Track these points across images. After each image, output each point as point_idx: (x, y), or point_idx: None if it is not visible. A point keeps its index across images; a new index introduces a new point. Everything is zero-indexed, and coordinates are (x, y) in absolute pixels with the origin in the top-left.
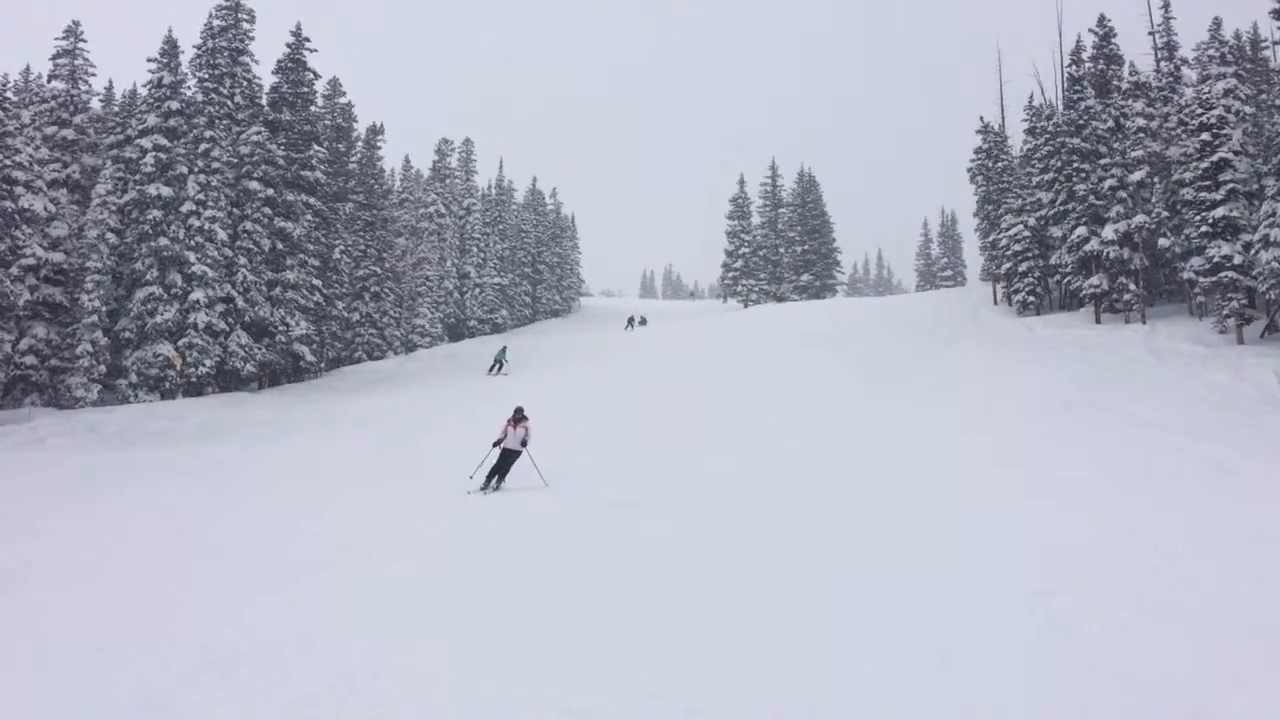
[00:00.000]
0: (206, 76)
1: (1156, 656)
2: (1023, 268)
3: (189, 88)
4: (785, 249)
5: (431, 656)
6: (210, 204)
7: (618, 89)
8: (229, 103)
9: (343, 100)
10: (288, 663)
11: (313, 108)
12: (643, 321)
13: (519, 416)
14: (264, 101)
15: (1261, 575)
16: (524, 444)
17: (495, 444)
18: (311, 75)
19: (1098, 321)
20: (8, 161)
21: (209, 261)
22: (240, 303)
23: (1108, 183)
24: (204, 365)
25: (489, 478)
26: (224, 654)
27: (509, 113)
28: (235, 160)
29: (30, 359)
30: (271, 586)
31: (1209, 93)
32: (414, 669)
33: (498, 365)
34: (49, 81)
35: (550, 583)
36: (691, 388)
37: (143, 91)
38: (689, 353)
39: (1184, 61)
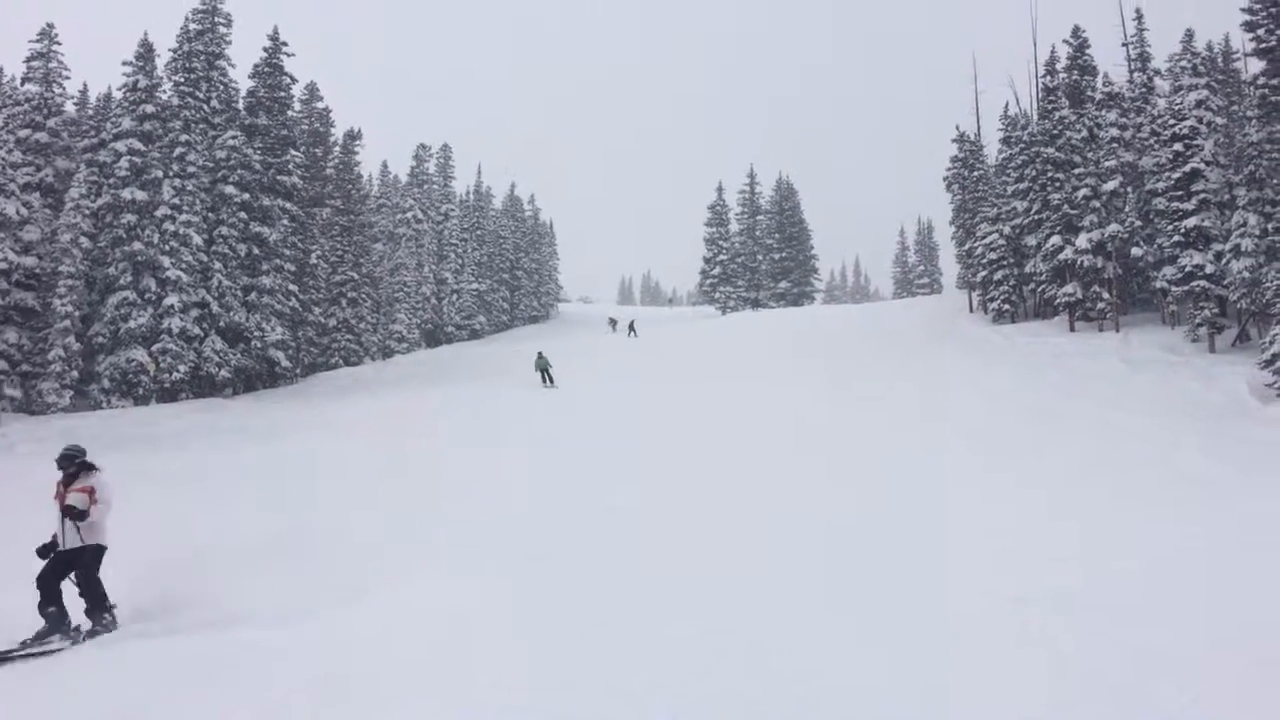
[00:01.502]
0: (182, 80)
1: (1129, 663)
2: (998, 276)
3: (164, 91)
4: (763, 256)
5: (408, 663)
6: (185, 208)
7: (599, 97)
8: (205, 107)
9: (320, 105)
10: (262, 672)
11: (290, 112)
12: (611, 322)
13: (72, 471)
14: (241, 106)
15: (1234, 583)
16: (78, 521)
17: (45, 551)
18: (289, 80)
19: (1072, 330)
20: None
21: (183, 266)
22: (215, 308)
23: (1081, 192)
24: (178, 371)
25: (46, 609)
26: (197, 663)
27: (493, 117)
28: (211, 165)
29: (1, 364)
30: (250, 592)
31: (1181, 104)
32: (390, 675)
33: (546, 377)
34: (22, 84)
35: (533, 585)
36: (672, 396)
37: (117, 95)
38: (670, 360)
39: (1157, 73)
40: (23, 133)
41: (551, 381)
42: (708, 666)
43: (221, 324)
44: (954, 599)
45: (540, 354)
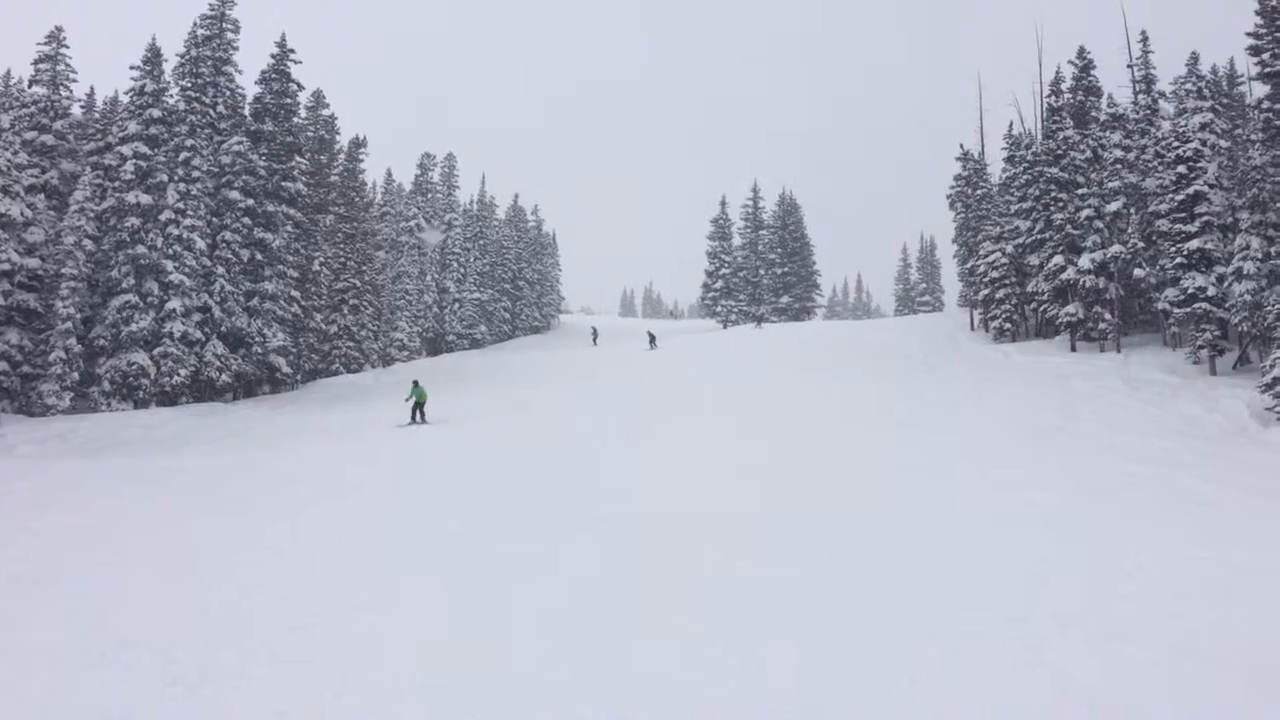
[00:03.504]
0: (189, 85)
1: (1127, 684)
2: (1000, 294)
3: (171, 96)
4: (765, 270)
5: (397, 674)
6: (189, 213)
7: (601, 107)
8: (211, 112)
9: (326, 112)
10: (254, 679)
11: (295, 119)
12: (593, 333)
13: None
14: (246, 112)
15: (1230, 605)
16: None
17: None
18: (295, 87)
19: (1073, 349)
20: None
21: (186, 270)
22: (217, 313)
23: (1085, 212)
24: (178, 375)
25: None
26: (191, 666)
27: (492, 127)
28: (216, 170)
29: (2, 365)
30: (240, 597)
31: (1185, 126)
32: (379, 686)
33: (418, 413)
34: (30, 86)
35: (515, 600)
36: (674, 411)
37: (124, 99)
38: (670, 375)
39: (1161, 95)
40: (29, 134)
41: (422, 418)
42: (706, 680)
43: (223, 329)
44: (955, 618)
45: (416, 383)
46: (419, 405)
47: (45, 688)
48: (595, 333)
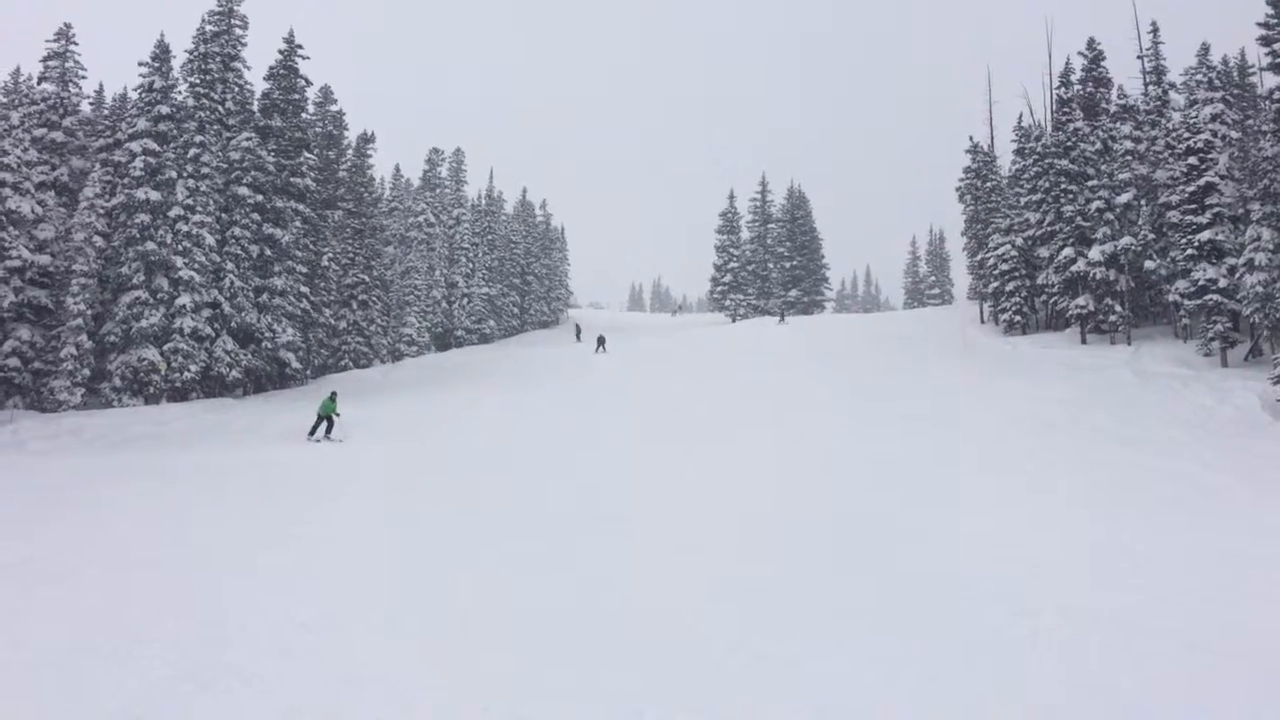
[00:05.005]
0: (198, 82)
1: (1137, 677)
2: (1010, 287)
3: (180, 92)
4: (774, 264)
5: (412, 668)
6: (199, 209)
7: (607, 103)
8: (220, 108)
9: (334, 108)
10: (268, 673)
11: (304, 115)
12: (577, 330)
13: None
14: (255, 107)
15: (1240, 598)
16: None
17: None
18: (303, 82)
19: (1083, 342)
20: None
21: (196, 266)
22: (226, 308)
23: (1095, 204)
24: (189, 371)
25: None
26: (203, 663)
27: (500, 126)
28: (225, 166)
29: (13, 361)
30: (251, 594)
31: (1196, 117)
32: (389, 681)
33: (322, 425)
34: (39, 83)
35: (530, 597)
36: (681, 406)
37: (133, 95)
38: (677, 369)
39: (1172, 86)
40: (38, 131)
41: (327, 435)
42: (715, 675)
43: (233, 324)
44: (964, 611)
45: (333, 395)
46: (325, 419)
47: (58, 684)
48: (579, 330)
